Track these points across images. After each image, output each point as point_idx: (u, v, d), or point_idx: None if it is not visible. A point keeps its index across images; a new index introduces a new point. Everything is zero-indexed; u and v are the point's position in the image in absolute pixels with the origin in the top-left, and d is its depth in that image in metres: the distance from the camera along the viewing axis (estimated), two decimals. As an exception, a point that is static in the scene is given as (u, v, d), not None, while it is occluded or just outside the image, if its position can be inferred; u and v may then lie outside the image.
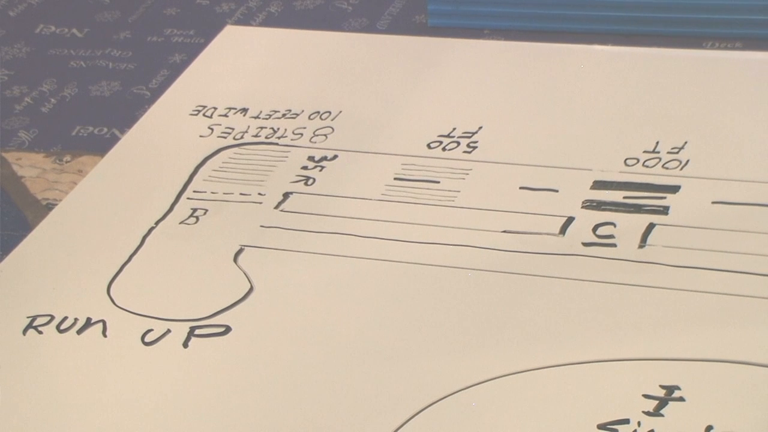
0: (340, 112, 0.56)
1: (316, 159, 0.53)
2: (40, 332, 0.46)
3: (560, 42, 0.59)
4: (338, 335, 0.45)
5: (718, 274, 0.45)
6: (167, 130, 0.56)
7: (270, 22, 0.64)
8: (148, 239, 0.50)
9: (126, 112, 0.58)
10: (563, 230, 0.48)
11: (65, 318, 0.47)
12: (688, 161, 0.50)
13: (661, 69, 0.56)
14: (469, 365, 0.42)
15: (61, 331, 0.46)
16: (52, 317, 0.47)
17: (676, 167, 0.50)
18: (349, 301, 0.46)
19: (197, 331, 0.46)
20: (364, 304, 0.46)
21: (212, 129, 0.56)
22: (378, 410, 0.42)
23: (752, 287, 0.44)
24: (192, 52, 0.62)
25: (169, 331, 0.46)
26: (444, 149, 0.53)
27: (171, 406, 0.43)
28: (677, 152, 0.51)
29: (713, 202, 0.48)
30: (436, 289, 0.46)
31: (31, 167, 0.55)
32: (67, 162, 0.55)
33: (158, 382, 0.44)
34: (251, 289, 0.47)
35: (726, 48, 0.58)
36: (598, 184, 0.50)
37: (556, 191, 0.50)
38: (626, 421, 0.40)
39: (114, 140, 0.56)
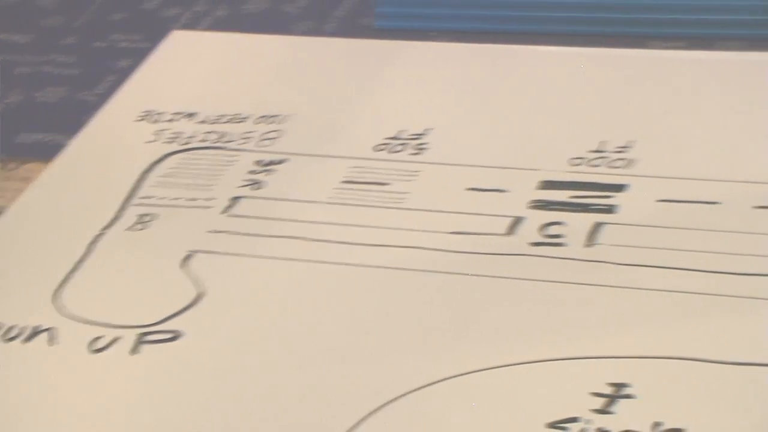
0: (288, 115, 0.56)
1: (265, 163, 0.53)
2: (-13, 342, 0.46)
3: (507, 43, 0.59)
4: (289, 338, 0.44)
5: (665, 271, 0.45)
6: (114, 136, 0.56)
7: (217, 26, 0.64)
8: (95, 247, 0.50)
9: (72, 118, 0.58)
10: (511, 230, 0.48)
11: (12, 327, 0.46)
12: (634, 160, 0.50)
13: (607, 69, 0.56)
14: (418, 367, 0.42)
15: (7, 341, 0.46)
16: (-1, 327, 0.46)
17: (623, 166, 0.50)
18: (300, 304, 0.46)
19: (147, 338, 0.45)
20: (315, 306, 0.46)
21: (159, 134, 0.56)
22: (330, 413, 0.41)
23: (699, 284, 0.44)
24: (138, 57, 0.61)
25: (118, 338, 0.45)
26: (392, 152, 0.53)
27: (122, 414, 0.42)
28: (624, 151, 0.51)
29: (659, 200, 0.48)
30: (385, 291, 0.46)
31: (-25, 175, 0.55)
32: (12, 170, 0.55)
33: (108, 389, 0.43)
34: (200, 295, 0.47)
35: (670, 48, 0.58)
36: (545, 184, 0.50)
37: (504, 191, 0.50)
38: (576, 420, 0.40)
39: (60, 147, 0.56)
